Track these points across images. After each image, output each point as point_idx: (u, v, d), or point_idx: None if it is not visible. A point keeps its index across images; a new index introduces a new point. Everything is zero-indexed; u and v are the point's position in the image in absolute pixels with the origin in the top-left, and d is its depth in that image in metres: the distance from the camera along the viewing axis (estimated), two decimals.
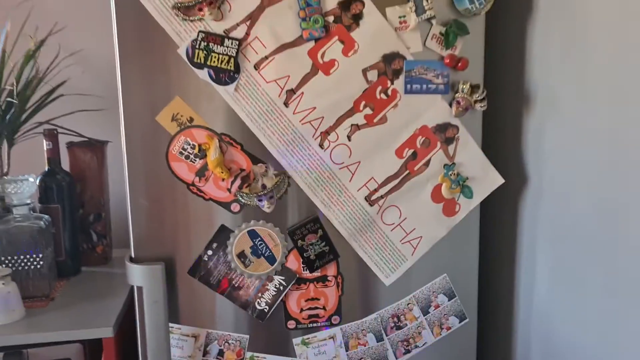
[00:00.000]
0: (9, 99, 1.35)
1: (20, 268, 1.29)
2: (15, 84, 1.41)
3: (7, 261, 1.27)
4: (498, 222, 1.30)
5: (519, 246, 1.25)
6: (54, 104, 1.49)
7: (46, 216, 1.36)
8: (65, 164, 1.48)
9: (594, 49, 0.98)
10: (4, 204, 1.35)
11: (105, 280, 1.46)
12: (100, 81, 1.61)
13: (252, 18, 1.06)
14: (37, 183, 1.39)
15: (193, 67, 1.06)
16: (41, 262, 1.31)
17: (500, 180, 1.19)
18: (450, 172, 1.16)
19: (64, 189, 1.45)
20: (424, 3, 1.09)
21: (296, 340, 1.17)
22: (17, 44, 1.45)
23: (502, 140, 1.25)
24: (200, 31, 1.05)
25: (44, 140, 1.44)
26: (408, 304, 1.19)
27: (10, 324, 1.20)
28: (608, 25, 0.94)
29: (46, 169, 1.44)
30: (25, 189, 1.31)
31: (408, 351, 1.21)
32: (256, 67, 1.07)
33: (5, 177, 1.31)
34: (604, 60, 0.96)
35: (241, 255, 1.12)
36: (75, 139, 1.51)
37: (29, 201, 1.32)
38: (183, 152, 1.08)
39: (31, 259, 1.30)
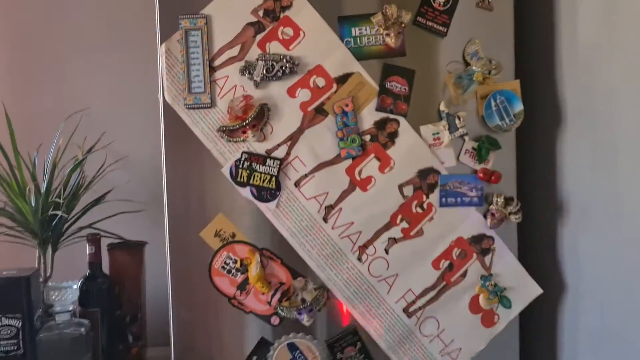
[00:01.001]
0: (56, 212, 1.40)
1: None
2: (62, 190, 1.47)
3: None
4: (538, 332, 1.29)
5: (559, 353, 1.23)
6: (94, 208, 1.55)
7: (86, 322, 1.38)
8: (105, 265, 1.52)
9: (623, 158, 1.01)
10: (47, 308, 1.38)
11: None
12: (139, 184, 1.67)
13: (293, 139, 1.11)
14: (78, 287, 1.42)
15: (236, 186, 1.11)
16: None
17: (538, 291, 1.19)
18: (487, 283, 1.17)
19: (104, 293, 1.48)
20: (457, 121, 1.14)
21: None
22: (67, 153, 1.53)
23: (538, 250, 1.26)
24: (243, 152, 1.10)
25: (87, 245, 1.48)
26: None
27: None
28: (635, 134, 0.97)
29: (87, 273, 1.48)
30: (68, 296, 1.35)
31: None
32: (296, 184, 1.12)
33: (49, 284, 1.35)
34: (633, 169, 0.98)
35: None
36: (115, 240, 1.56)
37: (71, 307, 1.35)
38: (225, 266, 1.12)
39: None
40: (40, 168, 1.52)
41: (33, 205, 1.45)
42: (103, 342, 1.47)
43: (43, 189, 1.47)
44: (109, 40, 1.69)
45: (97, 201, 1.53)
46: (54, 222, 1.47)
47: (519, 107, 1.17)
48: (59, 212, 1.40)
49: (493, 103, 1.16)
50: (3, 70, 1.68)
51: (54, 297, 1.33)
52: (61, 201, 1.42)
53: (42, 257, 1.48)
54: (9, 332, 1.28)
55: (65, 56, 1.69)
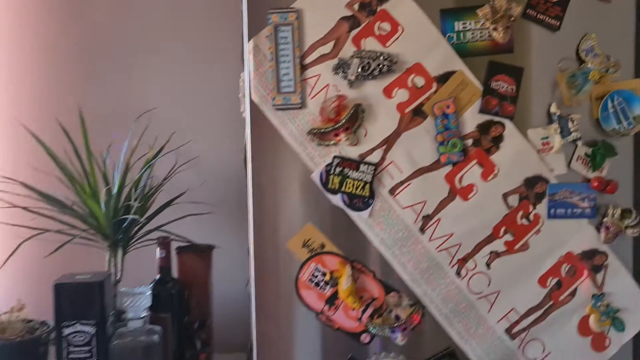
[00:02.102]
0: (131, 216, 1.37)
1: None
2: (134, 190, 1.43)
3: None
4: None
5: None
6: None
7: (158, 328, 1.34)
8: (174, 271, 1.48)
9: None
10: (118, 314, 1.34)
11: None
12: (211, 186, 1.63)
13: (389, 142, 1.04)
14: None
15: (326, 193, 1.04)
16: None
17: None
18: (599, 303, 1.07)
19: (174, 298, 1.44)
20: (569, 124, 1.04)
21: None
22: (137, 153, 1.49)
23: None
24: (335, 156, 1.03)
25: (158, 248, 1.44)
26: None
27: None
28: None
29: (157, 277, 1.44)
30: (141, 302, 1.30)
31: None
32: (391, 192, 1.04)
33: (122, 290, 1.31)
34: None
35: None
36: (183, 243, 1.52)
37: (144, 314, 1.31)
38: (313, 279, 1.05)
39: None
40: (110, 168, 1.49)
41: (104, 207, 1.42)
42: (173, 350, 1.43)
43: (115, 190, 1.43)
44: (180, 39, 1.65)
45: (169, 203, 1.49)
46: (125, 225, 1.43)
47: (639, 109, 1.06)
48: (133, 216, 1.36)
49: (610, 104, 1.06)
50: (73, 71, 1.66)
51: (126, 302, 1.29)
52: (133, 204, 1.38)
53: (112, 259, 1.45)
54: (82, 338, 1.25)
55: (134, 55, 1.66)
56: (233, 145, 1.57)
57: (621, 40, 1.06)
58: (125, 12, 1.66)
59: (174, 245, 1.50)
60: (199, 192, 1.58)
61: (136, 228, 1.46)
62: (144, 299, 1.31)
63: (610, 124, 1.06)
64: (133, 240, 1.47)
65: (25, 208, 1.42)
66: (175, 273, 1.49)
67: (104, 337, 1.26)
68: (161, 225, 1.50)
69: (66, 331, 1.24)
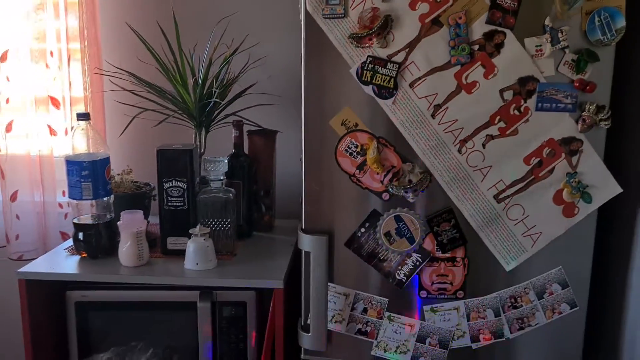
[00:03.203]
0: (212, 100, 1.72)
1: (214, 229, 1.67)
2: (214, 82, 1.79)
3: (206, 223, 1.66)
4: (615, 226, 1.45)
5: (634, 249, 1.40)
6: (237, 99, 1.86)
7: (233, 190, 1.73)
8: (245, 149, 1.84)
9: None
10: (202, 177, 1.73)
11: (272, 244, 1.81)
12: (276, 81, 1.96)
13: (411, 46, 1.31)
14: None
15: (361, 84, 1.34)
16: (229, 225, 1.69)
17: (618, 189, 1.35)
18: (572, 180, 1.34)
19: (245, 169, 1.81)
20: (559, 35, 1.28)
21: (426, 308, 1.44)
22: (217, 51, 1.82)
23: (623, 155, 1.40)
24: (369, 56, 1.32)
25: (232, 129, 1.81)
26: (525, 288, 1.41)
27: (207, 270, 1.58)
28: None
29: (232, 152, 1.81)
30: (220, 168, 1.69)
31: (522, 328, 1.43)
32: (411, 85, 1.33)
33: (205, 158, 1.69)
34: None
35: (387, 235, 1.41)
36: (253, 127, 1.87)
37: (222, 177, 1.70)
38: (348, 149, 1.38)
39: (222, 222, 1.68)
40: (196, 63, 1.83)
41: (191, 94, 1.78)
42: (243, 209, 1.83)
43: (200, 81, 1.79)
44: None
45: (242, 93, 1.83)
46: (208, 109, 1.80)
47: (621, 22, 1.27)
48: (215, 99, 1.71)
49: (597, 18, 1.27)
50: None
51: (209, 168, 1.67)
52: (215, 90, 1.73)
53: (197, 136, 1.83)
54: (177, 191, 1.64)
55: None
56: (294, 47, 1.87)
57: None
58: None
59: (246, 128, 1.87)
60: (267, 85, 1.92)
61: (216, 112, 1.83)
62: (222, 166, 1.69)
63: (595, 35, 1.28)
64: (214, 122, 1.85)
65: (132, 92, 1.81)
66: (246, 150, 1.86)
67: (193, 191, 1.65)
68: (237, 111, 1.86)
69: (166, 185, 1.64)
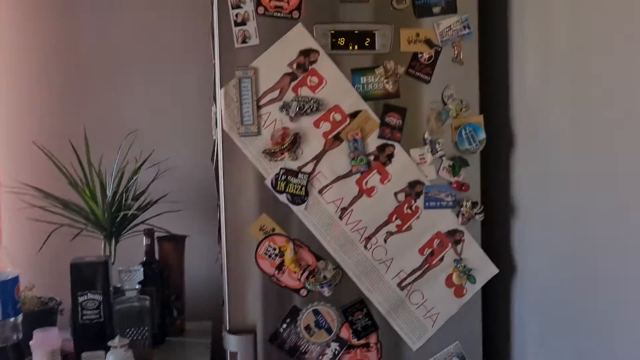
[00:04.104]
0: (124, 212, 1.78)
1: (132, 338, 1.68)
2: (124, 194, 1.85)
3: (123, 333, 1.66)
4: (497, 300, 1.71)
5: (512, 317, 1.65)
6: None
7: (147, 297, 1.76)
8: (155, 255, 1.89)
9: (554, 174, 1.43)
10: (116, 289, 1.75)
11: (187, 348, 1.84)
12: (184, 188, 2.06)
13: (318, 158, 1.51)
14: None
15: (275, 193, 1.50)
16: (146, 334, 1.71)
17: (495, 270, 1.60)
18: (459, 265, 1.58)
19: (157, 276, 1.86)
20: (437, 145, 1.55)
21: None
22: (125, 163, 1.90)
23: (496, 241, 1.68)
24: (281, 168, 1.50)
25: (144, 238, 1.86)
26: None
27: None
28: (563, 157, 1.40)
29: (144, 259, 1.86)
30: (135, 277, 1.72)
31: None
32: (320, 192, 1.52)
33: (120, 269, 1.72)
34: (561, 183, 1.40)
35: (307, 328, 1.53)
36: (163, 233, 1.93)
37: (137, 286, 1.73)
38: (267, 252, 1.51)
39: (139, 331, 1.70)
40: (104, 175, 1.88)
41: (101, 207, 1.83)
42: (156, 316, 1.85)
43: (110, 193, 1.84)
44: (161, 73, 2.08)
45: (153, 203, 1.91)
46: (118, 220, 1.85)
47: (482, 135, 1.58)
48: (131, 212, 1.77)
49: (463, 132, 1.57)
50: (76, 97, 2.05)
51: (124, 278, 1.71)
52: (130, 202, 1.80)
53: (107, 247, 1.86)
54: (93, 304, 1.64)
55: (123, 85, 2.08)
56: (201, 158, 2.01)
57: (470, 89, 1.56)
58: (113, 51, 2.07)
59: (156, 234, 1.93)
60: (176, 193, 2.01)
61: (127, 222, 1.88)
62: (138, 275, 1.73)
63: (464, 145, 1.58)
64: (124, 232, 1.89)
65: (42, 207, 1.81)
66: (156, 256, 1.91)
67: (109, 303, 1.66)
68: (145, 220, 1.92)
69: (80, 299, 1.64)
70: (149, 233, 1.87)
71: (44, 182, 1.89)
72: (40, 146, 1.88)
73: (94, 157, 1.86)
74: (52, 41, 2.06)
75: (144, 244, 1.86)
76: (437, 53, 1.54)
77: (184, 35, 2.09)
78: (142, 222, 1.91)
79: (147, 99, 2.09)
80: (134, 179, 1.86)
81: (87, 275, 1.63)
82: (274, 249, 1.50)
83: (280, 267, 1.51)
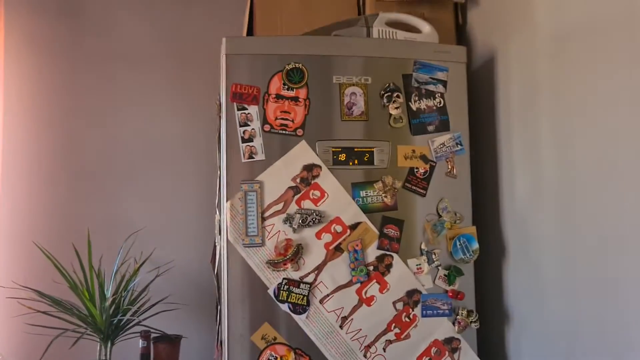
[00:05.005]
0: (123, 317, 1.79)
1: None
2: (122, 296, 1.86)
3: None
4: None
5: None
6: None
7: None
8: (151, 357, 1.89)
9: (547, 284, 1.50)
10: None
11: None
12: (182, 288, 2.08)
13: (319, 269, 1.56)
14: None
15: (277, 302, 1.54)
16: None
17: None
18: None
19: None
20: (433, 256, 1.62)
21: None
22: (125, 264, 1.93)
23: (493, 348, 1.72)
24: (284, 278, 1.54)
25: (140, 340, 1.86)
26: None
27: None
28: (555, 272, 1.46)
29: None
30: None
31: None
32: (321, 301, 1.56)
33: None
34: (554, 292, 1.46)
35: None
36: (158, 333, 1.93)
37: None
38: None
39: None
40: (102, 276, 1.90)
41: (99, 309, 1.83)
42: None
43: (109, 295, 1.86)
44: (165, 177, 2.15)
45: (152, 305, 1.92)
46: (115, 322, 1.85)
47: (475, 245, 1.65)
48: (128, 317, 1.78)
49: (458, 243, 1.64)
50: (77, 199, 2.09)
51: None
52: (122, 307, 1.81)
53: (103, 350, 1.85)
54: None
55: (126, 185, 2.14)
56: (200, 258, 2.06)
57: (463, 202, 1.65)
58: (117, 153, 2.15)
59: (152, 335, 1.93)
60: (173, 292, 2.03)
61: (124, 324, 1.88)
62: None
63: (458, 255, 1.65)
64: (120, 334, 1.89)
65: (45, 312, 1.81)
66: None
67: None
68: (141, 320, 1.92)
69: None
70: (146, 336, 1.87)
71: (42, 284, 1.90)
72: (40, 246, 1.91)
73: (93, 257, 1.89)
74: (58, 142, 2.14)
75: (140, 346, 1.85)
76: (432, 168, 1.64)
77: (188, 140, 2.18)
78: (138, 323, 1.91)
79: (148, 201, 2.14)
80: (134, 280, 1.88)
81: None
82: (275, 358, 1.52)
83: None
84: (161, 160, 2.16)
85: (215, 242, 1.84)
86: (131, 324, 1.89)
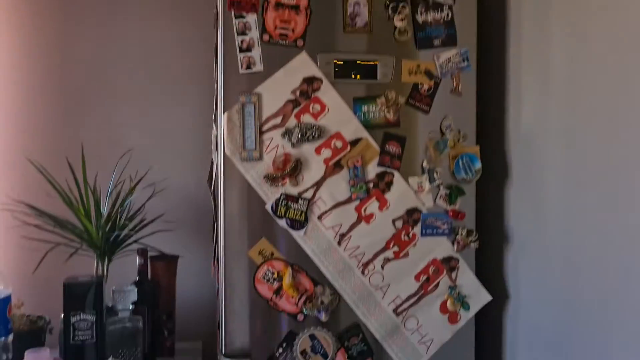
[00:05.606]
0: (117, 232, 1.77)
1: (124, 359, 1.66)
2: (118, 213, 1.84)
3: (115, 354, 1.65)
4: (490, 327, 1.74)
5: (504, 345, 1.68)
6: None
7: (140, 317, 1.75)
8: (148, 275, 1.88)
9: (548, 206, 1.47)
10: (108, 308, 1.73)
11: None
12: (177, 208, 2.05)
13: (318, 185, 1.53)
14: None
15: (276, 218, 1.52)
16: (138, 355, 1.69)
17: (489, 297, 1.64)
18: (453, 292, 1.61)
19: (149, 295, 1.85)
20: (435, 174, 1.58)
21: None
22: (120, 183, 1.90)
23: (490, 269, 1.71)
24: (282, 193, 1.51)
25: (137, 257, 1.85)
26: None
27: None
28: (557, 190, 1.44)
29: (136, 279, 1.85)
30: (129, 297, 1.71)
31: None
32: (319, 218, 1.53)
33: (114, 288, 1.71)
34: (554, 215, 1.44)
35: (303, 353, 1.54)
36: (155, 253, 1.92)
37: (131, 307, 1.72)
38: (265, 276, 1.52)
39: (131, 352, 1.68)
40: (98, 194, 1.87)
41: (95, 226, 1.82)
42: (148, 335, 1.83)
43: (104, 213, 1.83)
44: (161, 94, 2.08)
45: (147, 223, 1.90)
46: (111, 239, 1.84)
47: (478, 165, 1.61)
48: (125, 232, 1.77)
49: (460, 162, 1.60)
50: (74, 115, 2.03)
51: (118, 298, 1.69)
52: (125, 222, 1.79)
53: (100, 266, 1.85)
54: (85, 325, 1.63)
55: (120, 102, 2.07)
56: (196, 178, 2.02)
57: (467, 120, 1.61)
58: (111, 68, 2.07)
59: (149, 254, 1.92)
60: (170, 212, 2.01)
61: (119, 241, 1.87)
62: (132, 295, 1.72)
63: (460, 174, 1.61)
64: (118, 250, 1.88)
65: (38, 226, 1.79)
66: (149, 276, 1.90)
67: (101, 323, 1.65)
68: (138, 239, 1.91)
69: (73, 319, 1.62)
70: (143, 252, 1.86)
71: (37, 200, 1.87)
72: (34, 163, 1.87)
73: (88, 175, 1.85)
74: (51, 56, 2.05)
75: (137, 263, 1.84)
76: (437, 84, 1.58)
77: (184, 56, 2.10)
78: (135, 242, 1.90)
79: (143, 118, 2.08)
80: (129, 198, 1.85)
81: (81, 295, 1.61)
82: (272, 274, 1.51)
83: (278, 291, 1.52)
84: (157, 75, 2.08)
85: (212, 160, 1.80)
86: (128, 241, 1.87)
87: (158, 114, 2.08)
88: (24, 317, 1.79)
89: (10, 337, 1.60)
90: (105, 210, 1.83)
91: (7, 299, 1.58)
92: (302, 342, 1.53)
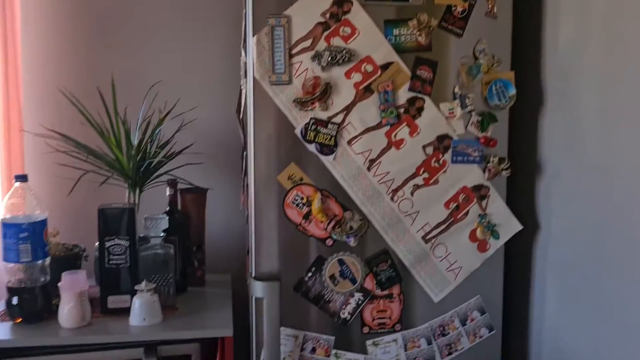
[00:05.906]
0: (157, 160, 1.79)
1: (157, 284, 1.71)
2: (149, 144, 1.86)
3: (148, 279, 1.69)
4: (520, 257, 1.73)
5: (533, 275, 1.67)
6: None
7: (171, 245, 1.79)
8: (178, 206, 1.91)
9: (586, 133, 1.43)
10: (140, 237, 1.77)
11: (209, 297, 1.87)
12: (205, 141, 2.06)
13: (348, 109, 1.51)
14: None
15: (305, 142, 1.51)
16: (170, 280, 1.74)
17: (519, 227, 1.62)
18: (483, 220, 1.60)
19: (180, 226, 1.88)
20: (467, 100, 1.55)
21: (368, 342, 1.58)
22: (150, 114, 1.91)
23: (522, 198, 1.69)
24: (312, 118, 1.50)
25: (167, 188, 1.88)
26: (451, 317, 1.61)
27: (152, 325, 1.61)
28: (596, 115, 1.40)
29: (167, 209, 1.88)
30: (160, 225, 1.75)
31: (450, 353, 1.62)
32: (349, 143, 1.52)
33: (146, 216, 1.74)
34: (593, 142, 1.41)
35: (332, 277, 1.55)
36: (185, 184, 1.95)
37: (162, 234, 1.76)
38: (294, 201, 1.53)
39: (164, 277, 1.73)
40: (129, 125, 1.89)
41: (126, 156, 1.84)
42: (178, 264, 1.88)
43: (135, 143, 1.85)
44: (189, 27, 2.07)
45: (177, 153, 1.91)
46: (143, 169, 1.86)
47: (512, 91, 1.57)
48: (153, 160, 1.78)
49: (494, 88, 1.57)
50: (104, 48, 2.03)
51: (150, 225, 1.73)
52: (157, 151, 1.81)
53: (132, 195, 1.88)
54: (119, 249, 1.67)
55: (149, 36, 2.06)
56: (225, 111, 2.02)
57: (502, 45, 1.56)
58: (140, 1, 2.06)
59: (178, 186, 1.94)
60: (199, 145, 2.02)
61: (152, 173, 1.89)
62: (163, 223, 1.75)
63: (493, 100, 1.57)
64: (148, 181, 1.90)
65: (68, 153, 1.82)
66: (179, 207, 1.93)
67: (135, 249, 1.69)
68: (168, 171, 1.93)
69: (107, 244, 1.66)
70: (172, 183, 1.88)
71: (68, 130, 1.89)
72: (66, 93, 1.88)
73: (119, 108, 1.86)
74: None
75: (167, 194, 1.87)
76: (471, 6, 1.53)
77: None
78: (165, 173, 1.92)
79: (171, 51, 2.07)
80: (159, 129, 1.87)
81: (114, 221, 1.66)
82: (302, 198, 1.52)
83: (307, 216, 1.52)
84: (187, 9, 2.06)
85: (240, 89, 1.80)
86: (158, 172, 1.89)
87: (185, 48, 2.07)
88: (59, 245, 1.84)
89: (48, 260, 1.66)
90: (135, 140, 1.85)
91: (44, 222, 1.63)
92: (331, 266, 1.54)
